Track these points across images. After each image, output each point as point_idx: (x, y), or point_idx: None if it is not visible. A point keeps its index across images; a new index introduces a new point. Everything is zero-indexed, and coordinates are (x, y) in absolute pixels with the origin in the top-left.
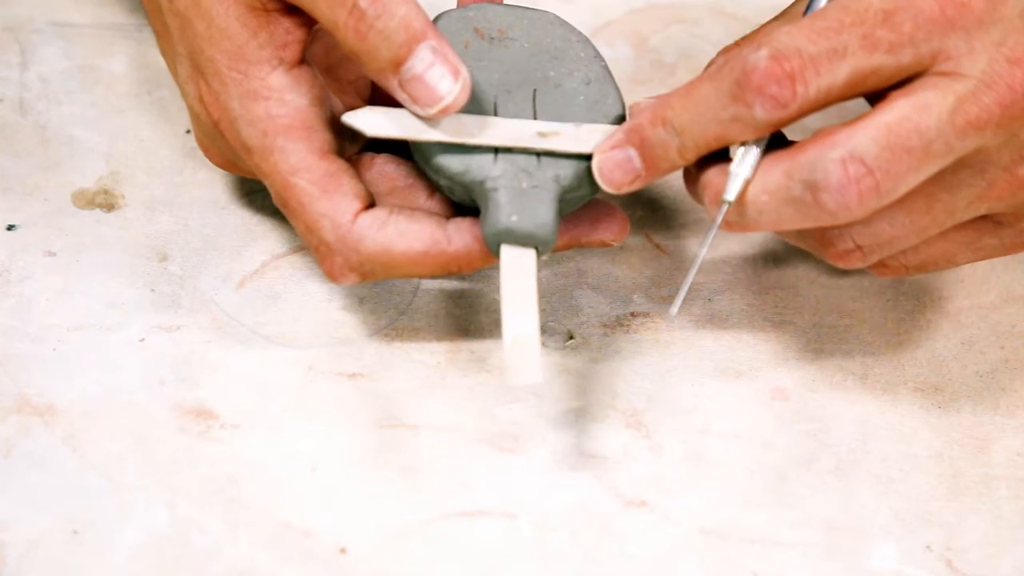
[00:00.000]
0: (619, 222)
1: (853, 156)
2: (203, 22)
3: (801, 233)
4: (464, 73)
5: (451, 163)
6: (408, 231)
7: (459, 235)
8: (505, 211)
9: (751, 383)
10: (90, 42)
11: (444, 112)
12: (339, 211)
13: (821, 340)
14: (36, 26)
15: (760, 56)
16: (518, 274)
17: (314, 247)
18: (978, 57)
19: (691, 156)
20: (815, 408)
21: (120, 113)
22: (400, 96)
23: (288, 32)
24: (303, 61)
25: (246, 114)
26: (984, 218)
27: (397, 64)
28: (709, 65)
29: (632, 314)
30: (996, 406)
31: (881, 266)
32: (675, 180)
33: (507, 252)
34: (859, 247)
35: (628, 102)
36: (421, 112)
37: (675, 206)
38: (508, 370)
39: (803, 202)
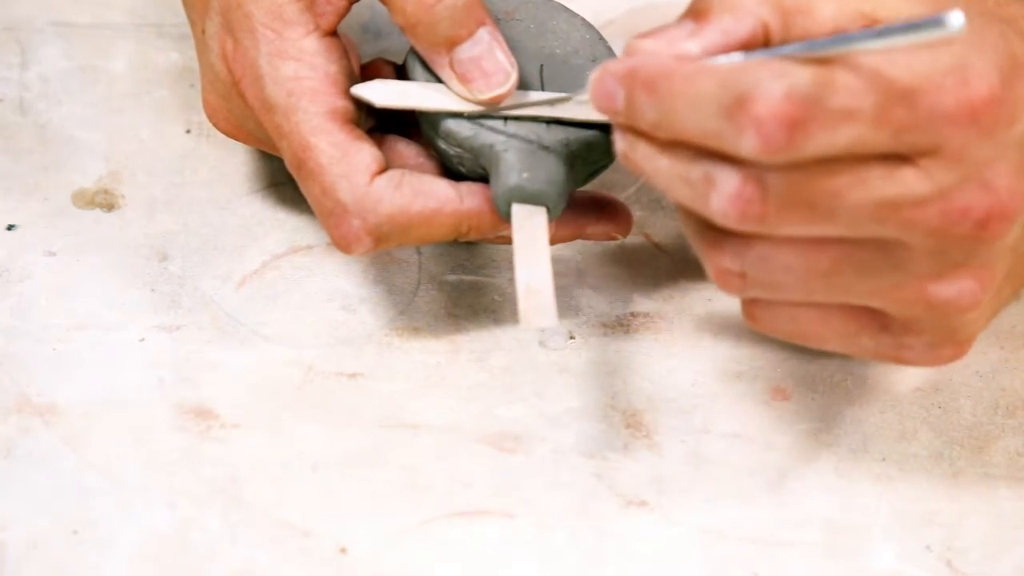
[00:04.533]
0: (623, 214)
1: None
2: None
3: (699, 227)
4: (515, 63)
5: (460, 128)
6: (422, 190)
7: (471, 196)
8: (516, 169)
9: (751, 383)
10: (90, 42)
11: (494, 101)
12: (357, 172)
13: None
14: (36, 26)
15: (775, 88)
16: (530, 230)
17: (328, 211)
18: (957, 168)
19: (663, 136)
20: (815, 408)
21: (120, 113)
22: (446, 73)
23: (328, 2)
24: (336, 32)
25: (273, 72)
26: (872, 315)
27: (454, 43)
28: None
29: (632, 314)
30: (996, 406)
31: (752, 316)
32: None
33: (518, 210)
34: (743, 274)
35: None
36: (467, 94)
37: (675, 206)
38: (523, 316)
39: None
